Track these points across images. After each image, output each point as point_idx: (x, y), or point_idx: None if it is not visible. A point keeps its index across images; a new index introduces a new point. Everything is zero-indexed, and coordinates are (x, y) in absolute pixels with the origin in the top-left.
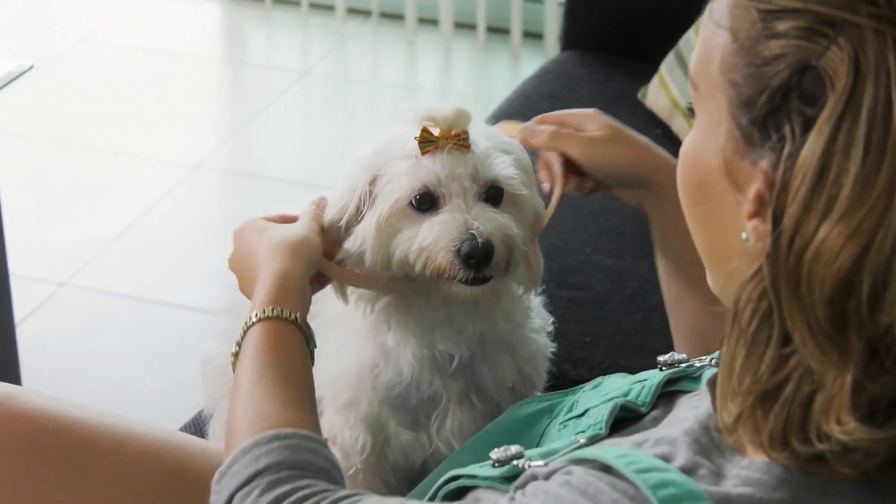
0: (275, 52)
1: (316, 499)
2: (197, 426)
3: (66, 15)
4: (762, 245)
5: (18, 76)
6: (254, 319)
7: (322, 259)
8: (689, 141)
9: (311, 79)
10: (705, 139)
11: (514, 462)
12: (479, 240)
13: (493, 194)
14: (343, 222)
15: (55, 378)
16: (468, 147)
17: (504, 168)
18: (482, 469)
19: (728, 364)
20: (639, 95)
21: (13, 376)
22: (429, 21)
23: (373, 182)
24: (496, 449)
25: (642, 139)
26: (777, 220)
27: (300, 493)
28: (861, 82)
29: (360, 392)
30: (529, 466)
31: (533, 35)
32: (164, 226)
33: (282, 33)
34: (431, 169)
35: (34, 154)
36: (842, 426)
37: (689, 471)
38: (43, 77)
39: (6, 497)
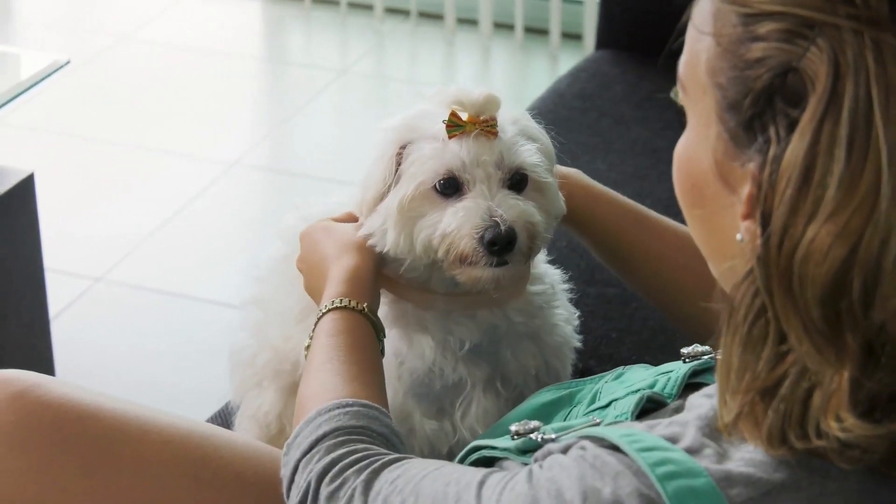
0: (313, 51)
1: (368, 461)
2: (223, 418)
3: (107, 13)
4: (756, 245)
5: (55, 71)
6: (323, 310)
7: (381, 273)
8: (682, 143)
9: (348, 78)
10: (697, 141)
11: (531, 435)
12: (503, 227)
13: (518, 181)
14: (371, 197)
15: (89, 372)
16: (495, 133)
17: (530, 156)
18: (501, 441)
19: (726, 362)
20: (671, 94)
21: (48, 370)
22: (467, 21)
23: (399, 154)
24: (516, 423)
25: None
26: (766, 222)
27: (354, 456)
28: (841, 82)
29: (386, 383)
30: (544, 440)
31: (571, 35)
32: (200, 222)
33: (320, 32)
34: (457, 154)
35: (71, 149)
36: (841, 423)
37: (694, 451)
38: (82, 73)
39: (32, 484)
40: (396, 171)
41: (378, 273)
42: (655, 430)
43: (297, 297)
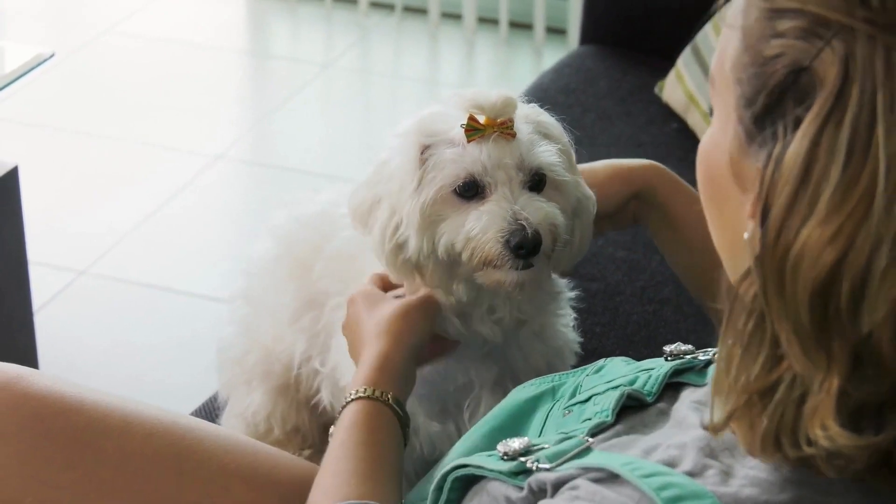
0: (298, 45)
1: None
2: (207, 411)
3: (91, 5)
4: (755, 244)
5: (39, 64)
6: (351, 397)
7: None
8: (706, 136)
9: (333, 72)
10: (719, 136)
11: (523, 459)
12: (529, 231)
13: (537, 181)
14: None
15: (73, 366)
16: (513, 135)
17: (549, 156)
18: (490, 461)
19: (724, 362)
20: (655, 90)
21: (31, 363)
22: (452, 15)
23: (422, 160)
24: (502, 442)
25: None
26: (764, 219)
27: None
28: (848, 86)
29: None
30: (538, 468)
31: (556, 30)
32: (185, 216)
33: (305, 26)
34: (477, 157)
35: (55, 142)
36: (825, 431)
37: (695, 474)
38: (66, 66)
39: (16, 476)
40: (421, 176)
41: (413, 358)
42: (653, 455)
43: (289, 298)
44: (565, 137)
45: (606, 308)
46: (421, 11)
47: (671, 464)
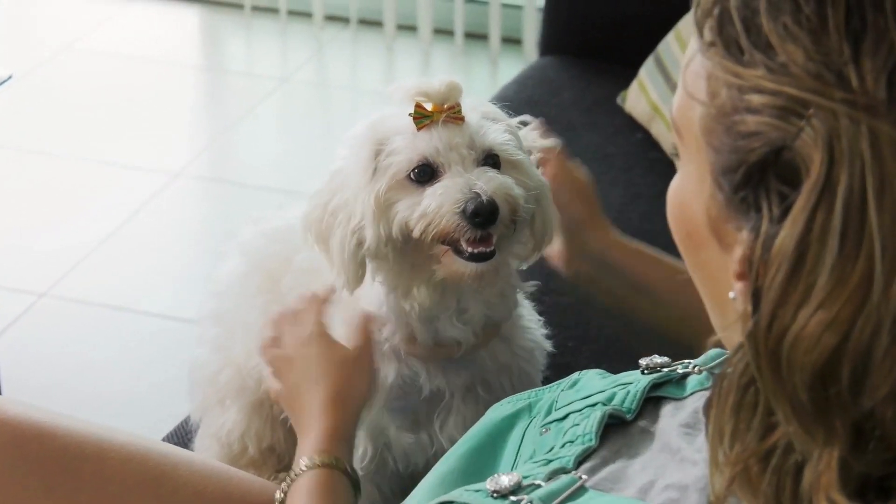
0: (254, 60)
1: None
2: (180, 436)
3: (45, 24)
4: (747, 313)
5: None
6: (305, 467)
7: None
8: (676, 187)
9: (290, 86)
10: (691, 191)
11: (514, 497)
12: (484, 197)
13: (491, 163)
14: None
15: (36, 388)
16: (462, 119)
17: (498, 135)
18: (479, 497)
19: (717, 429)
20: (618, 100)
21: None
22: (407, 27)
23: (375, 156)
24: (491, 478)
25: None
26: (756, 301)
27: None
28: (835, 170)
29: None
30: None
31: (512, 41)
32: (145, 234)
33: (260, 41)
34: (429, 141)
35: (12, 163)
36: None
37: None
38: (22, 86)
39: None
40: (374, 168)
41: (357, 419)
42: (651, 495)
43: (259, 312)
44: (513, 122)
45: (578, 322)
46: (376, 24)
47: None
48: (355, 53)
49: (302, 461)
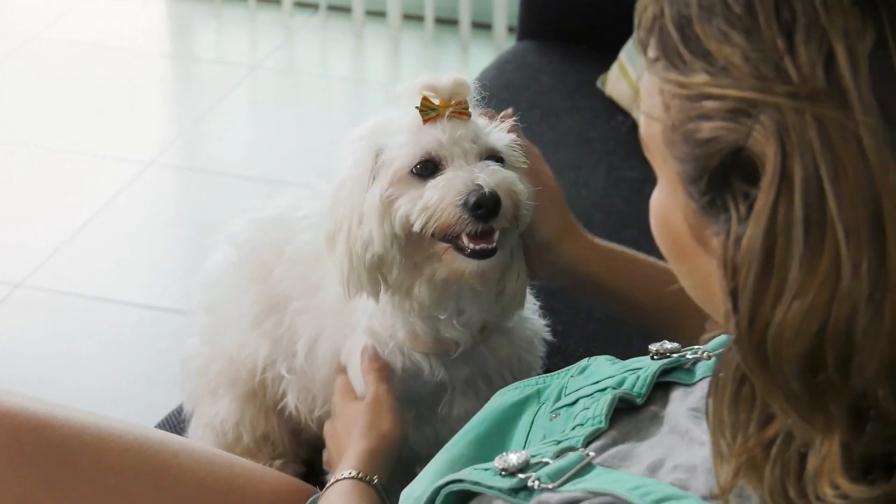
0: (223, 48)
1: None
2: (172, 424)
3: (12, 13)
4: (728, 310)
5: None
6: (336, 478)
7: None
8: (656, 198)
9: (260, 73)
10: (668, 201)
11: (522, 475)
12: (486, 189)
13: (494, 161)
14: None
15: (15, 379)
16: (468, 115)
17: (503, 137)
18: (487, 476)
19: (717, 426)
20: (598, 84)
21: None
22: (377, 13)
23: (376, 158)
24: (499, 456)
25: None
26: (734, 302)
27: None
28: (789, 162)
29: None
30: (539, 486)
31: (482, 25)
32: (119, 224)
33: (229, 28)
34: (433, 135)
35: None
36: (837, 490)
37: (709, 498)
38: None
39: None
40: (373, 174)
41: (399, 451)
42: (660, 474)
43: (251, 302)
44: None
45: (566, 307)
46: (345, 10)
47: (683, 486)
48: (324, 40)
49: (337, 474)
